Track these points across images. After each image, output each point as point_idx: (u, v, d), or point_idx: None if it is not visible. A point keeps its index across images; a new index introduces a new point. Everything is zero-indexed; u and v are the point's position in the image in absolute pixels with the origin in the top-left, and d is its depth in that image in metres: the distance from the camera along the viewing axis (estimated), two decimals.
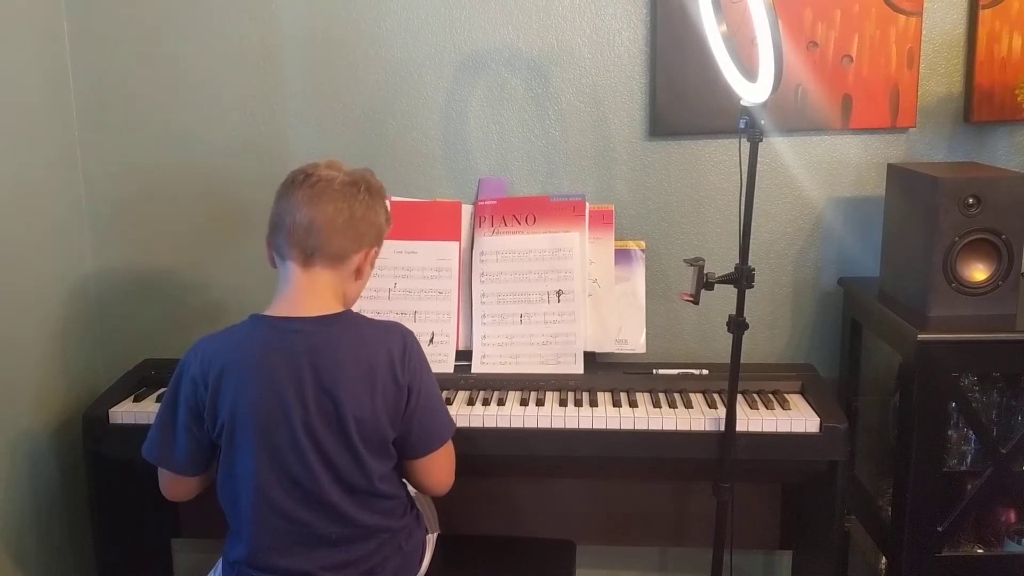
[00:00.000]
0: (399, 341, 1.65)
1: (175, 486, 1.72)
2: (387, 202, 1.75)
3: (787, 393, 2.06)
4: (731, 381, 1.85)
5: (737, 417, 1.88)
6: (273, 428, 1.58)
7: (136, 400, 2.11)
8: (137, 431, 2.03)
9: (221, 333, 1.67)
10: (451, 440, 1.73)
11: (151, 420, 2.03)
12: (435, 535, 1.92)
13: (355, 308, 2.13)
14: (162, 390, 2.13)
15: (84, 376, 2.37)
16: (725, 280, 1.82)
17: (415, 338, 1.69)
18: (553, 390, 2.07)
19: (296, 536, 1.62)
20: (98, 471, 2.09)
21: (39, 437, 2.18)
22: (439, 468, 1.73)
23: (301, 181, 1.63)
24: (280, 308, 1.64)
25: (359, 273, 1.69)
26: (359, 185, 1.66)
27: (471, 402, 2.04)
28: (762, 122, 1.73)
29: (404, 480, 1.76)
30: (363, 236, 1.66)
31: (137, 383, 2.19)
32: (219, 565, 1.74)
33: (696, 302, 1.84)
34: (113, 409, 2.06)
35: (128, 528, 2.22)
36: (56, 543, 2.24)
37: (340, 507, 1.62)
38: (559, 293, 2.14)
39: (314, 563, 1.63)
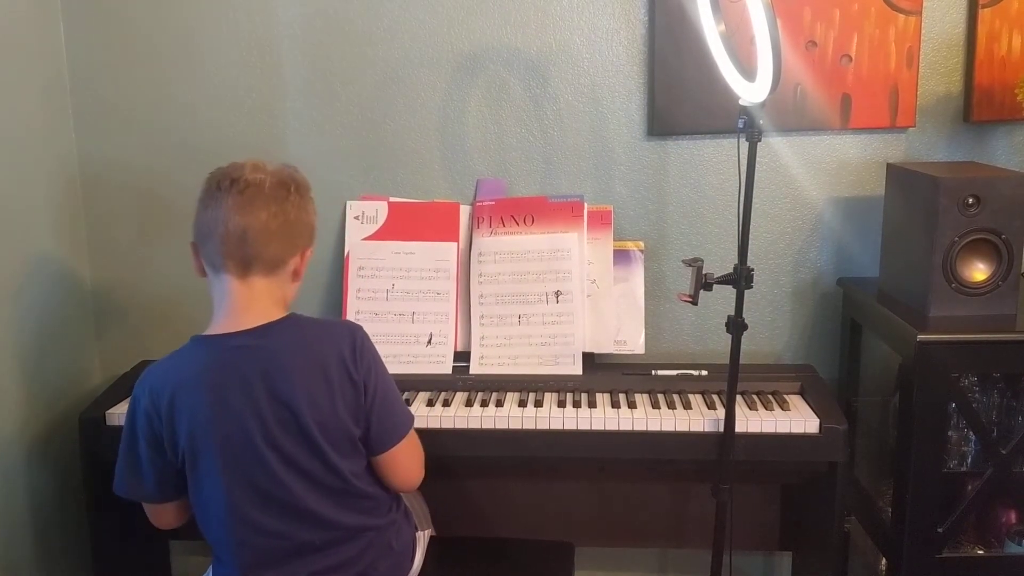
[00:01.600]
0: (348, 339, 1.61)
1: (159, 514, 1.70)
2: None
3: (786, 394, 2.06)
4: (730, 382, 1.84)
5: (736, 418, 1.87)
6: (234, 448, 1.55)
7: None
8: None
9: (165, 361, 1.63)
10: (414, 433, 1.72)
11: None
12: (426, 533, 1.90)
13: (355, 311, 2.15)
14: None
15: (80, 378, 2.36)
16: (724, 281, 1.81)
17: (365, 333, 1.65)
18: (552, 391, 2.07)
19: (280, 549, 1.60)
20: (94, 473, 2.07)
21: (35, 439, 2.17)
22: (403, 464, 1.70)
23: (228, 187, 1.55)
24: (221, 325, 1.59)
25: (296, 275, 1.64)
26: (288, 186, 1.59)
27: (469, 403, 2.03)
28: (760, 122, 1.72)
29: None
30: (298, 238, 1.62)
31: (134, 385, 2.18)
32: (210, 571, 1.73)
33: (695, 303, 1.83)
34: (110, 411, 2.05)
35: (125, 530, 2.21)
36: (53, 545, 2.23)
37: (319, 512, 1.59)
38: (558, 294, 2.14)
39: (303, 570, 1.61)
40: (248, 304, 1.58)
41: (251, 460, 1.55)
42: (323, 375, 1.57)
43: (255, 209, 1.55)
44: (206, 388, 1.56)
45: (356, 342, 1.62)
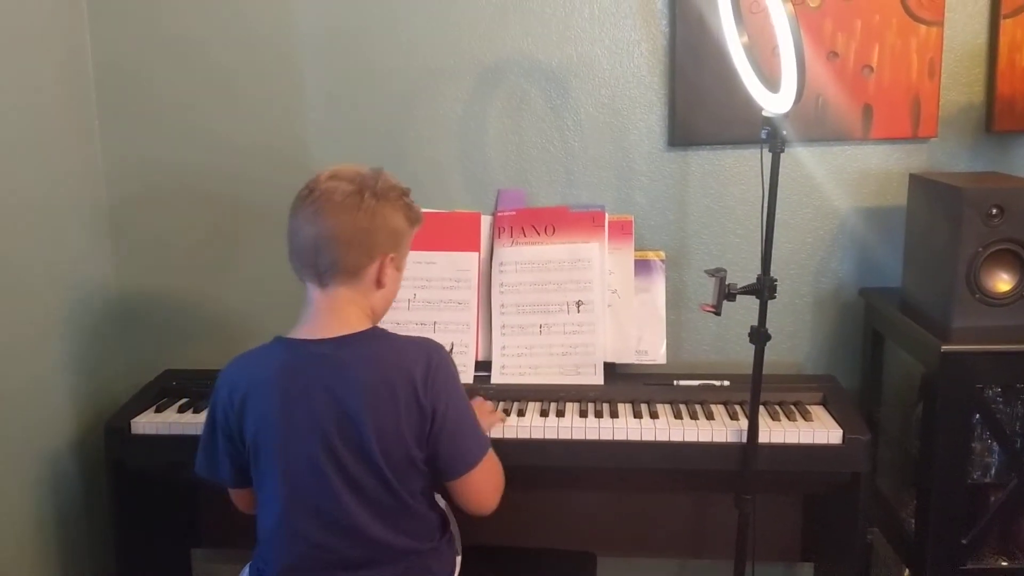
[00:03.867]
0: (423, 361, 1.57)
1: (239, 497, 1.73)
2: (407, 199, 1.65)
3: (808, 404, 2.05)
4: (753, 392, 1.84)
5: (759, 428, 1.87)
6: (294, 454, 1.56)
7: (158, 411, 2.11)
8: (159, 441, 2.05)
9: (246, 356, 1.64)
10: (493, 459, 1.69)
11: (172, 431, 2.05)
12: (458, 559, 1.89)
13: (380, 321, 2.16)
14: (183, 400, 2.15)
15: (105, 386, 2.37)
16: (747, 291, 1.81)
17: (443, 356, 1.61)
18: (573, 401, 2.07)
19: (322, 561, 1.60)
20: (119, 481, 2.10)
21: (61, 447, 2.19)
22: (477, 489, 1.67)
23: (304, 197, 1.57)
24: (302, 330, 1.60)
25: (379, 283, 1.61)
26: (363, 193, 1.56)
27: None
28: (784, 132, 1.72)
29: (438, 501, 1.74)
30: (375, 245, 1.58)
31: (159, 393, 2.20)
32: (246, 571, 1.73)
33: (718, 313, 1.83)
34: (135, 419, 2.07)
35: (149, 538, 2.22)
36: (77, 553, 2.25)
37: (368, 530, 1.58)
38: (579, 303, 2.14)
39: None
40: (329, 313, 1.59)
41: (308, 469, 1.55)
42: (391, 393, 1.55)
43: (324, 218, 1.55)
44: (277, 390, 1.56)
45: (431, 365, 1.58)
